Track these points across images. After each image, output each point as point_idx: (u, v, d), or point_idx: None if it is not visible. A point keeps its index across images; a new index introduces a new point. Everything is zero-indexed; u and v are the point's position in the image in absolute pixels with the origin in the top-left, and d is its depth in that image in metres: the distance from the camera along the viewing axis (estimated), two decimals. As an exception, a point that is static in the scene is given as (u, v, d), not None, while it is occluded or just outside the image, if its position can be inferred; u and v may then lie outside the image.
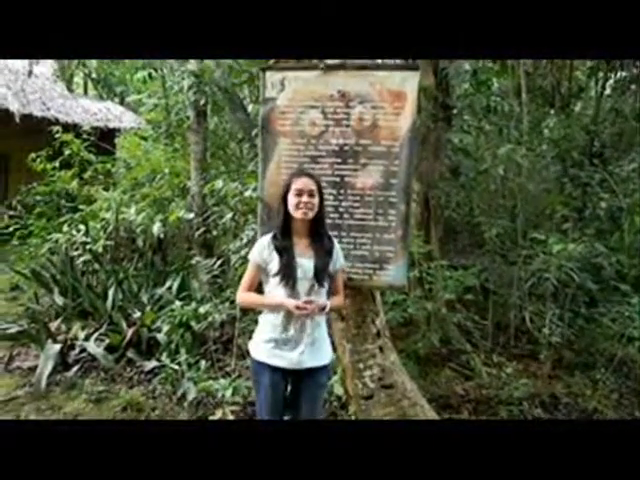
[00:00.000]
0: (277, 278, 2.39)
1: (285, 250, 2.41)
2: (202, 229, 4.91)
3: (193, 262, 5.35)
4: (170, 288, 5.53)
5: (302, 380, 2.46)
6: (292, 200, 2.42)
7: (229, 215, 4.12)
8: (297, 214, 2.41)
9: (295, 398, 2.52)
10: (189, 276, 5.61)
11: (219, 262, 4.50)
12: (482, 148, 6.30)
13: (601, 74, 8.76)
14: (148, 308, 5.11)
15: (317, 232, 2.50)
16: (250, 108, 6.17)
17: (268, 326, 2.45)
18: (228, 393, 3.65)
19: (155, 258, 6.33)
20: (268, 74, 3.18)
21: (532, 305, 5.09)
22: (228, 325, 4.92)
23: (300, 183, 2.43)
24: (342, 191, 3.18)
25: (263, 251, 2.45)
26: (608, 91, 9.38)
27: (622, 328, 4.88)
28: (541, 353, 4.73)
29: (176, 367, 4.06)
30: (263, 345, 2.44)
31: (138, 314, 4.94)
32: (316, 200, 2.45)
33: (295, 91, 3.17)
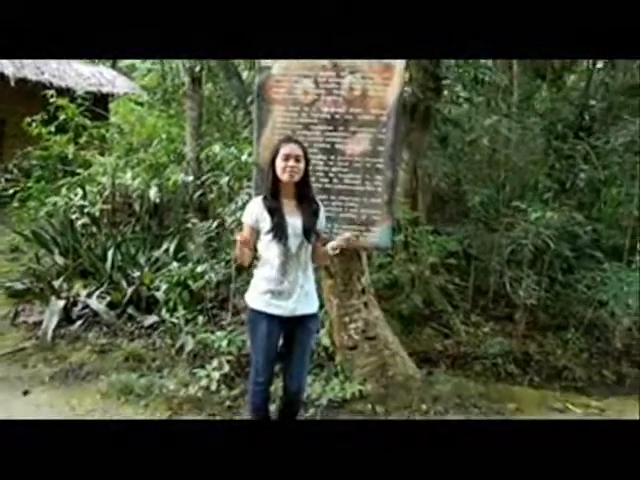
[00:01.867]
0: (269, 235, 2.61)
1: (276, 210, 2.63)
2: (199, 192, 5.10)
3: (189, 225, 5.56)
4: (167, 250, 5.75)
5: (295, 327, 2.70)
6: (280, 164, 2.61)
7: (225, 179, 4.33)
8: (284, 177, 2.61)
9: (287, 344, 2.78)
10: (185, 239, 5.84)
11: (215, 225, 4.71)
12: (471, 119, 6.51)
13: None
14: (146, 269, 5.35)
15: (304, 194, 2.72)
16: (245, 75, 6.30)
17: (264, 279, 2.67)
18: (224, 344, 3.94)
19: (151, 222, 6.53)
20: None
21: (511, 270, 5.36)
22: (223, 285, 5.17)
23: (287, 148, 2.62)
24: (332, 157, 3.40)
25: (254, 212, 2.67)
26: (600, 64, 9.54)
27: (595, 293, 5.19)
28: (517, 315, 5.04)
29: (175, 320, 4.32)
30: (260, 296, 2.67)
31: (137, 274, 5.18)
32: (302, 165, 2.65)
33: (289, 61, 3.35)
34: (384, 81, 3.28)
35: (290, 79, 3.35)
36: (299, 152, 2.64)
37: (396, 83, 3.28)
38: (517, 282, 5.19)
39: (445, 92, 5.41)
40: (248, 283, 4.78)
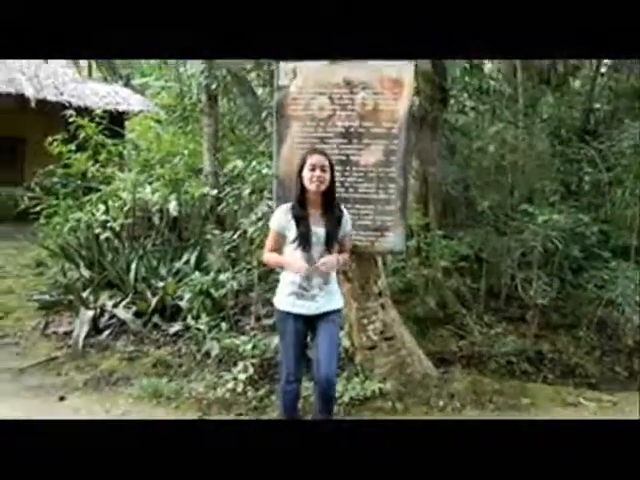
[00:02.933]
0: (295, 243, 2.77)
1: (302, 219, 2.78)
2: (222, 205, 5.34)
3: (209, 237, 5.79)
4: (187, 261, 5.98)
5: (320, 321, 2.84)
6: (307, 174, 2.76)
7: (247, 191, 4.55)
8: (311, 187, 2.75)
9: (315, 338, 2.89)
10: (205, 250, 6.07)
11: (236, 235, 4.93)
12: (478, 127, 6.70)
13: (595, 53, 9.06)
14: (169, 279, 5.57)
15: (328, 204, 2.85)
16: (259, 92, 6.55)
17: (289, 283, 2.84)
18: (248, 347, 4.14)
19: (171, 235, 6.77)
20: (282, 64, 3.60)
21: (522, 272, 5.52)
22: (243, 293, 5.38)
23: (314, 159, 2.77)
24: (348, 168, 3.62)
25: (281, 219, 2.82)
26: (603, 69, 9.68)
27: (605, 292, 5.33)
28: (529, 315, 5.20)
29: (201, 327, 4.53)
30: (286, 298, 2.85)
31: (161, 284, 5.40)
32: (328, 175, 2.79)
33: (305, 79, 3.58)
34: (394, 96, 3.50)
35: (306, 97, 3.58)
36: (325, 162, 2.78)
37: (405, 97, 3.49)
38: (528, 283, 5.35)
39: (452, 102, 5.61)
40: (269, 290, 5.07)
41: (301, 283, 2.81)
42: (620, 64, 9.87)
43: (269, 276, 5.12)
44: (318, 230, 2.79)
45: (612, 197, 7.00)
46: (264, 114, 6.06)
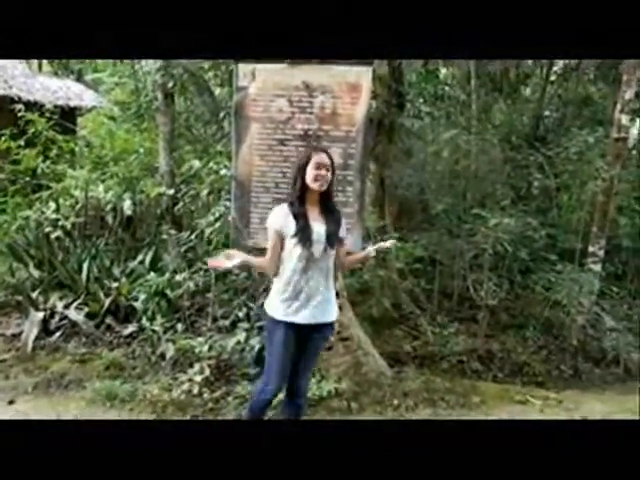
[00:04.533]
0: (294, 240, 2.63)
1: (302, 216, 2.66)
2: (179, 205, 5.27)
3: (164, 237, 5.71)
4: (142, 262, 5.87)
5: (312, 333, 2.72)
6: (311, 172, 2.65)
7: (205, 191, 4.52)
8: (314, 185, 2.65)
9: (301, 348, 2.76)
10: (160, 250, 5.97)
11: (193, 236, 4.88)
12: (433, 132, 6.87)
13: (545, 61, 9.43)
14: (123, 280, 5.46)
15: (328, 202, 2.78)
16: (218, 92, 6.50)
17: (284, 287, 2.67)
18: (205, 349, 4.12)
19: (124, 234, 6.63)
20: (241, 65, 3.59)
21: (474, 274, 5.70)
22: (200, 295, 5.33)
23: (319, 157, 2.67)
24: (306, 170, 3.64)
25: (279, 218, 2.69)
26: (553, 77, 10.07)
27: (551, 293, 5.56)
28: (480, 315, 5.37)
29: (157, 328, 4.47)
30: (279, 304, 2.68)
31: (114, 285, 5.29)
32: (330, 174, 2.71)
33: (264, 81, 3.59)
34: (352, 100, 3.55)
35: (266, 98, 3.59)
36: (328, 162, 2.70)
37: (363, 102, 3.56)
38: (479, 284, 5.52)
39: (408, 107, 5.73)
40: (226, 291, 5.05)
41: (296, 285, 2.67)
42: (569, 73, 10.32)
43: (226, 277, 5.10)
44: (318, 227, 2.69)
45: (559, 202, 7.30)
46: (222, 114, 6.02)
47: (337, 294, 2.93)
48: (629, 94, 6.15)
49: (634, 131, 9.70)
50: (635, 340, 5.83)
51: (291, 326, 2.66)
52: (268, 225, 2.76)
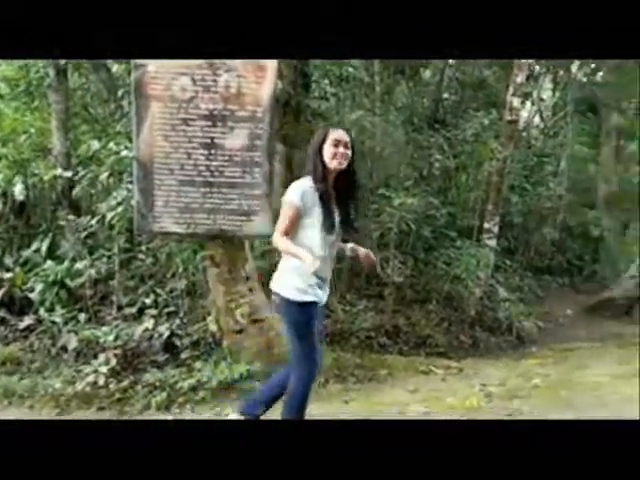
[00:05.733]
0: (318, 224, 2.44)
1: (328, 199, 2.46)
2: (77, 188, 4.96)
3: (62, 223, 5.38)
4: (38, 250, 5.50)
5: (317, 312, 2.59)
6: (330, 150, 2.44)
7: (105, 174, 4.29)
8: (332, 164, 2.45)
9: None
10: (57, 237, 5.63)
11: (93, 221, 4.63)
12: (339, 114, 6.94)
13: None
14: (17, 270, 5.10)
15: (351, 183, 2.58)
16: (115, 69, 6.16)
17: (305, 271, 2.40)
18: (110, 338, 3.96)
19: (17, 221, 6.18)
20: (139, 41, 3.42)
21: (380, 252, 5.88)
22: (103, 283, 5.09)
23: (337, 134, 2.47)
24: (213, 151, 3.58)
25: (305, 195, 2.43)
26: (451, 61, 10.49)
27: (452, 268, 5.88)
28: (386, 292, 5.57)
29: (57, 319, 4.23)
30: (308, 288, 2.47)
31: (8, 275, 4.93)
32: (350, 152, 2.49)
33: (165, 58, 3.44)
34: (257, 79, 3.51)
35: (167, 76, 3.45)
36: (347, 138, 2.49)
37: (269, 81, 3.52)
38: (386, 262, 5.71)
39: (313, 88, 5.75)
40: (132, 278, 4.87)
41: (321, 269, 2.41)
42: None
43: (131, 263, 4.91)
44: (336, 211, 2.53)
45: (458, 182, 7.68)
46: (120, 92, 5.72)
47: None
48: (520, 78, 6.57)
49: (524, 114, 10.40)
50: (526, 309, 6.33)
51: (314, 305, 2.51)
52: (291, 200, 2.44)
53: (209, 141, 3.55)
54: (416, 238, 6.20)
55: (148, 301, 4.48)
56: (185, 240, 4.19)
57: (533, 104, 12.83)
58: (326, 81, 5.92)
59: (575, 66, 10.84)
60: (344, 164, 2.46)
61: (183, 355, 4.09)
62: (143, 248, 4.87)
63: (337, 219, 2.50)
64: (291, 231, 2.44)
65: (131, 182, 3.84)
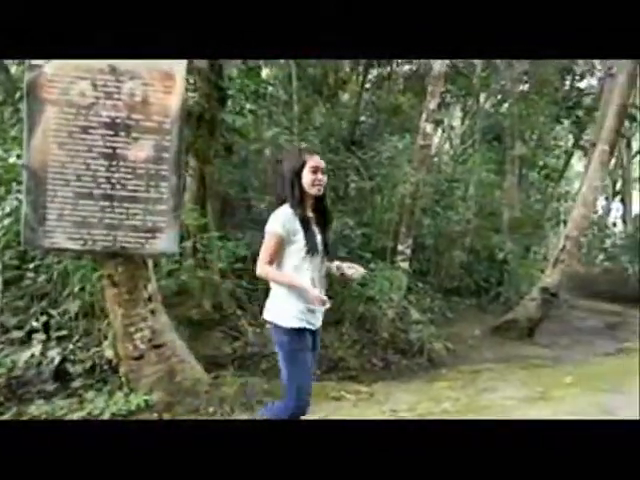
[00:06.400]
0: (303, 250, 2.43)
1: (308, 223, 2.46)
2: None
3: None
4: None
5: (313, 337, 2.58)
6: (309, 177, 2.44)
7: (-10, 182, 3.89)
8: (312, 190, 2.45)
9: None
10: None
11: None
12: (256, 131, 6.83)
13: (361, 69, 10.02)
14: None
15: (323, 207, 2.59)
16: (14, 70, 5.70)
17: (296, 298, 2.44)
18: (-9, 366, 3.54)
19: None
20: (33, 39, 3.12)
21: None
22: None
23: (316, 161, 2.48)
24: (114, 163, 3.31)
25: (289, 223, 2.43)
26: (368, 85, 10.74)
27: (365, 290, 5.87)
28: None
29: None
30: (299, 314, 2.45)
31: None
32: (325, 178, 2.52)
33: (64, 60, 3.16)
34: (165, 89, 3.30)
35: (64, 79, 3.16)
36: (323, 164, 2.52)
37: (178, 92, 3.33)
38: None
39: (230, 103, 5.59)
40: (21, 298, 4.42)
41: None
42: (382, 82, 11.11)
43: (21, 281, 4.46)
44: (317, 234, 2.52)
45: (373, 203, 7.77)
46: (18, 94, 5.27)
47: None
48: (433, 104, 6.76)
49: (435, 139, 10.80)
50: (436, 331, 6.42)
51: (309, 332, 2.49)
52: (274, 230, 2.42)
53: (110, 151, 3.28)
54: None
55: (37, 324, 4.08)
56: (83, 257, 3.86)
57: (444, 131, 13.43)
58: (242, 97, 5.78)
59: (483, 96, 11.46)
60: (322, 191, 2.50)
61: (75, 384, 3.73)
62: (34, 265, 4.45)
63: (320, 242, 2.51)
64: (275, 260, 2.44)
65: (21, 192, 3.48)
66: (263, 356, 4.75)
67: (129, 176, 3.35)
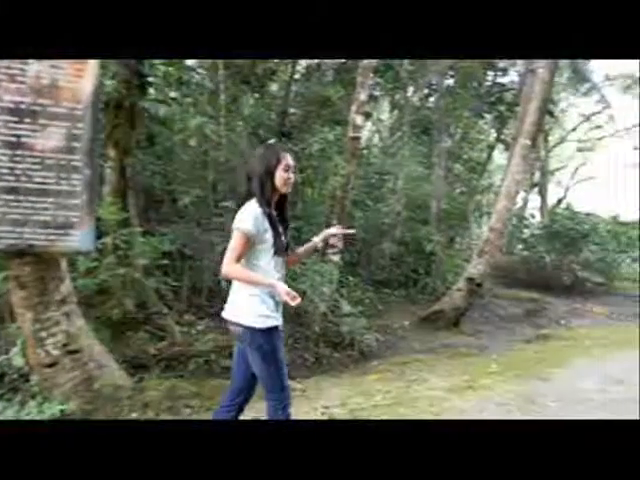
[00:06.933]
0: (271, 249, 2.41)
1: (275, 221, 2.45)
2: None
3: None
4: None
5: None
6: (283, 175, 2.42)
7: None
8: (284, 189, 2.45)
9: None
10: None
11: None
12: (181, 120, 6.54)
13: (290, 60, 9.87)
14: None
15: (286, 206, 2.59)
16: None
17: (265, 297, 2.42)
18: None
19: None
20: None
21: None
22: None
23: (289, 160, 2.47)
24: (19, 152, 3.02)
25: (259, 222, 2.37)
26: (297, 76, 10.60)
27: (297, 284, 5.76)
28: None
29: None
30: (271, 313, 2.43)
31: None
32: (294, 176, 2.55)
33: (-44, 37, 2.83)
34: (77, 72, 3.04)
35: (-43, 58, 2.84)
36: (294, 163, 2.52)
37: (90, 76, 3.07)
38: (230, 279, 5.41)
39: (151, 91, 5.30)
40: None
41: (274, 295, 2.43)
42: (311, 73, 11.02)
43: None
44: (282, 233, 2.52)
45: (304, 196, 7.67)
46: None
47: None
48: (363, 96, 6.74)
49: (365, 132, 10.86)
50: (367, 323, 6.43)
51: (278, 330, 2.47)
52: (245, 228, 2.36)
53: (14, 140, 2.98)
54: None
55: None
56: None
57: (373, 124, 13.55)
58: (165, 84, 5.50)
59: (410, 90, 11.62)
60: (290, 189, 2.52)
61: (-20, 395, 3.39)
62: None
63: (284, 240, 2.51)
64: (241, 259, 2.40)
65: None
66: (191, 356, 4.54)
67: (36, 167, 3.06)
